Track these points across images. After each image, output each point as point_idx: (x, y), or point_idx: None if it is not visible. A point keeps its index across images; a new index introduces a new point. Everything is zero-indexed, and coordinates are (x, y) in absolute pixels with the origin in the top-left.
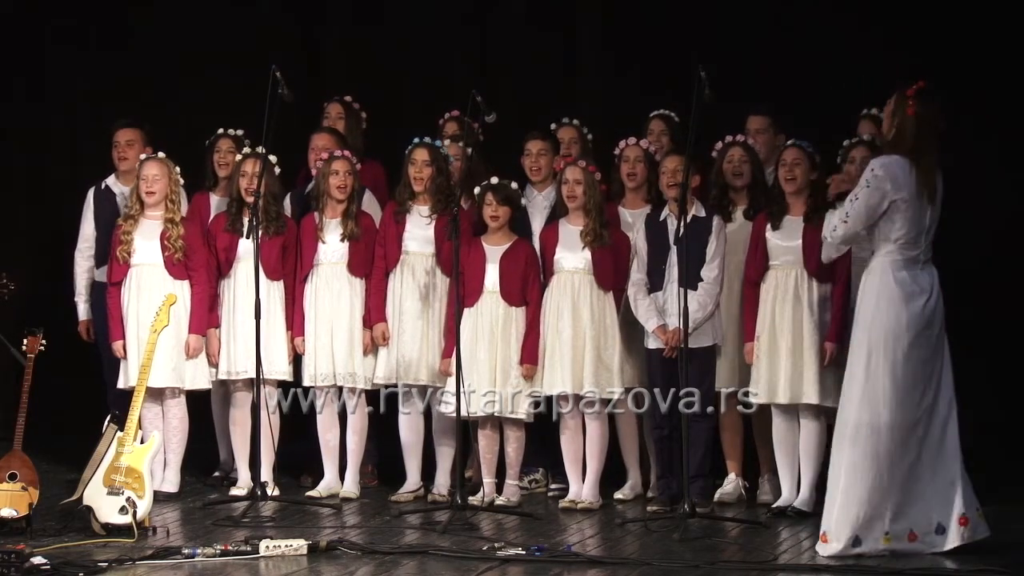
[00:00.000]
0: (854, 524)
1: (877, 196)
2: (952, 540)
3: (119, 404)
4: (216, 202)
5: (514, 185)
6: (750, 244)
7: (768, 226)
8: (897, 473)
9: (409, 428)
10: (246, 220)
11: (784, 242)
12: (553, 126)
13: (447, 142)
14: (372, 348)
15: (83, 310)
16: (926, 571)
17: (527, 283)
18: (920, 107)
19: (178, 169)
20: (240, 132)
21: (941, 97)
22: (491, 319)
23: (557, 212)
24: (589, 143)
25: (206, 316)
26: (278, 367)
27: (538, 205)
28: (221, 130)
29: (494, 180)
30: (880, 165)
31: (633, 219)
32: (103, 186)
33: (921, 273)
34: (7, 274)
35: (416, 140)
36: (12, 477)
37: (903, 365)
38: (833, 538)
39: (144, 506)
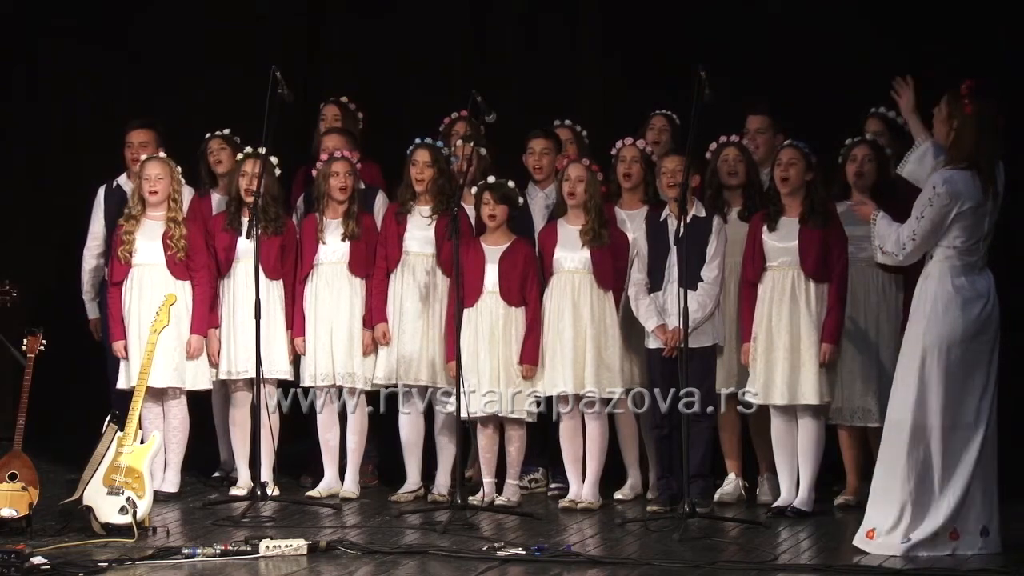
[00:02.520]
0: (907, 524)
1: (942, 214)
2: (992, 545)
3: (120, 404)
4: (217, 201)
5: (511, 183)
6: (746, 245)
7: (764, 227)
8: (953, 475)
9: (409, 428)
10: (245, 220)
11: (781, 243)
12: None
13: (459, 142)
14: (373, 348)
15: (91, 308)
16: (926, 571)
17: (526, 283)
18: (977, 105)
19: (180, 169)
20: (227, 131)
21: (996, 93)
22: (491, 319)
23: (556, 211)
24: (586, 143)
25: (207, 316)
26: (278, 366)
27: (540, 203)
28: (208, 134)
29: (491, 179)
30: (942, 182)
31: (629, 219)
32: (114, 185)
33: (979, 278)
34: (9, 281)
35: (418, 141)
36: (12, 477)
37: (958, 369)
38: (880, 535)
39: (144, 506)
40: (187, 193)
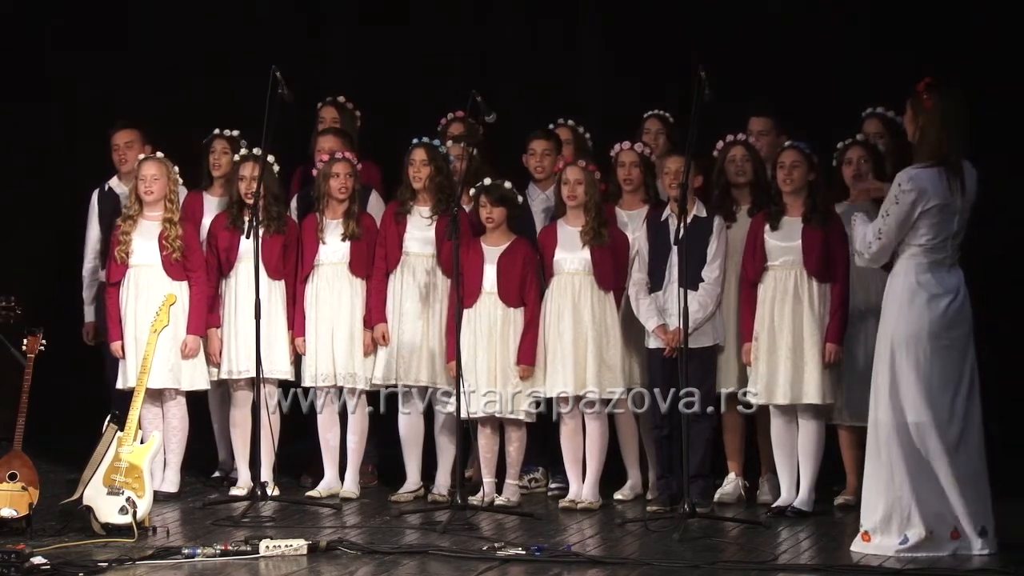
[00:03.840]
0: (899, 523)
1: (907, 211)
2: (991, 544)
3: (120, 404)
4: (210, 202)
5: (508, 184)
6: (747, 245)
7: (767, 227)
8: (937, 473)
9: (409, 428)
10: (246, 220)
11: (783, 242)
12: (551, 127)
13: (449, 143)
14: (373, 348)
15: (88, 312)
16: (925, 571)
17: (525, 283)
18: (937, 99)
19: (176, 169)
20: (236, 133)
21: (959, 87)
22: (489, 320)
23: (556, 212)
24: (587, 143)
25: (204, 317)
26: (279, 367)
27: (540, 204)
28: (216, 131)
29: (487, 181)
30: (907, 179)
31: (630, 219)
32: (106, 188)
33: (947, 275)
34: (15, 298)
35: (415, 140)
36: (12, 477)
37: (927, 366)
38: (876, 536)
39: (144, 506)
40: (182, 193)
